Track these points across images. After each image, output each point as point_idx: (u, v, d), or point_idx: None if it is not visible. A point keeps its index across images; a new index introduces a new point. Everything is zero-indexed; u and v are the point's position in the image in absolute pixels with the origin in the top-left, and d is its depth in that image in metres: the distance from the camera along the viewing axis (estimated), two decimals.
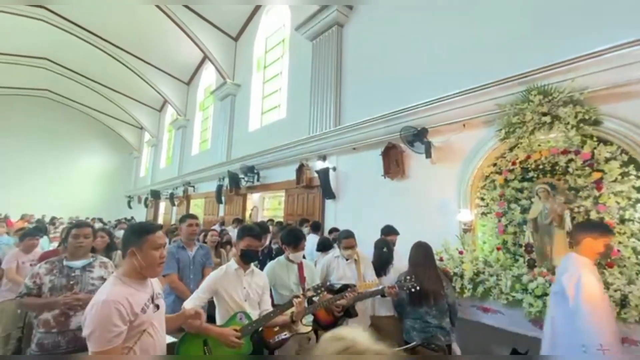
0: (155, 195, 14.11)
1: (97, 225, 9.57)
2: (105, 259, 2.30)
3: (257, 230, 2.31)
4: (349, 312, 2.66)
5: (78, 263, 2.13)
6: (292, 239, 2.57)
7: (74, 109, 18.25)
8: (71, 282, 2.06)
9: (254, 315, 2.10)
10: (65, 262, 2.11)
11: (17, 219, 9.80)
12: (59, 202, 16.35)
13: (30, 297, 2.01)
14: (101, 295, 1.32)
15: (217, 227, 7.08)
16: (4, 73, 13.99)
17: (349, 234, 3.01)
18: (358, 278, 2.90)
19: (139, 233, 1.46)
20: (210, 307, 2.21)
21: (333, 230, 5.03)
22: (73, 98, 17.28)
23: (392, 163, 4.72)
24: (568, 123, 2.96)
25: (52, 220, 10.43)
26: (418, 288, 2.47)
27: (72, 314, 2.00)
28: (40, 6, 10.24)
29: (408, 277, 2.53)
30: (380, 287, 2.68)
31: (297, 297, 2.10)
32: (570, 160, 3.03)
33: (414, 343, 2.37)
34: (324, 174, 5.68)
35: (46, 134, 17.38)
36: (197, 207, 11.83)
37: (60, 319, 1.98)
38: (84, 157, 18.72)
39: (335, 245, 3.37)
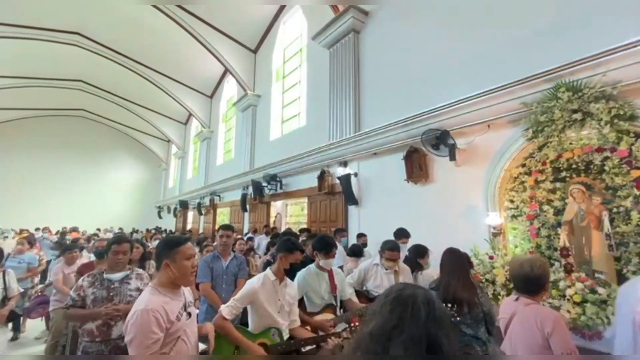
0: (184, 205, 14.64)
1: (134, 235, 10.03)
2: (140, 271, 2.43)
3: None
4: None
5: (117, 276, 2.26)
6: (324, 245, 2.58)
7: (107, 125, 19.45)
8: (111, 294, 2.19)
9: (284, 327, 2.15)
10: (105, 275, 2.25)
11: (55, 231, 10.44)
12: (93, 213, 17.39)
13: (75, 309, 2.15)
14: (140, 304, 1.42)
15: (250, 235, 7.38)
16: (44, 96, 15.16)
17: (395, 246, 2.94)
18: None
19: (171, 246, 1.56)
20: (243, 315, 2.28)
21: (360, 235, 5.07)
22: (105, 115, 18.43)
23: (415, 167, 4.66)
24: (601, 119, 2.82)
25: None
26: (455, 312, 2.32)
27: (113, 323, 2.12)
28: (75, 32, 11.04)
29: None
30: None
31: (330, 336, 2.07)
32: (606, 158, 2.88)
33: None
34: (345, 180, 5.69)
35: (81, 150, 18.66)
36: (223, 215, 12.16)
37: (102, 329, 2.11)
38: (116, 170, 19.87)
39: (379, 252, 3.18)
